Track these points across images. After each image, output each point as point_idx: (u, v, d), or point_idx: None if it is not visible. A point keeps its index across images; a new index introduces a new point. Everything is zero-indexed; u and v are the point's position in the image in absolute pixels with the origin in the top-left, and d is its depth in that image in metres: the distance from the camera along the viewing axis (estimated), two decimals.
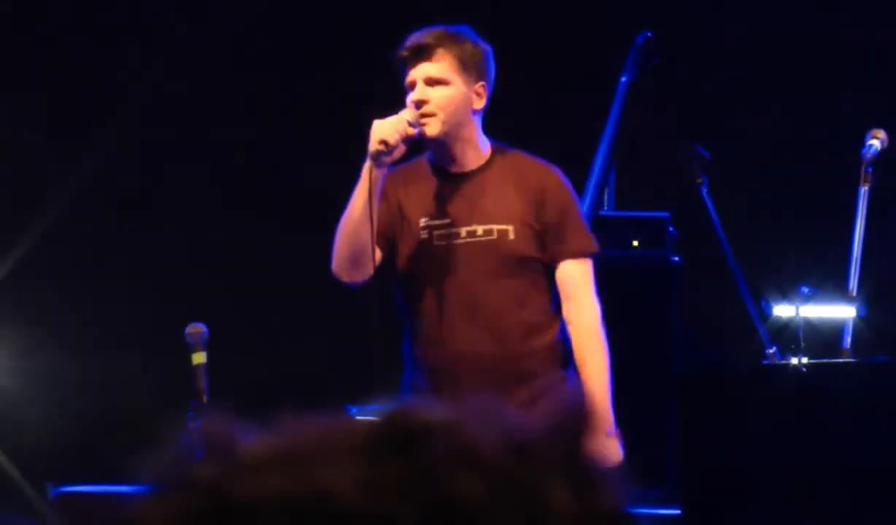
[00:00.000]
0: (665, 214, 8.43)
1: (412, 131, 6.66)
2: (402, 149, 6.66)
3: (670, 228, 8.52)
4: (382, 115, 6.65)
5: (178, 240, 10.40)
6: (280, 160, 10.40)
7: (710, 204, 7.47)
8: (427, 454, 1.23)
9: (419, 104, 6.72)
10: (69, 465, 8.18)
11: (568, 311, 6.74)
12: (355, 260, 6.73)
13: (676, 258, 8.63)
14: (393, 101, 6.82)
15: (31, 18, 10.89)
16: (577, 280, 6.75)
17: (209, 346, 7.22)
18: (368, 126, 6.68)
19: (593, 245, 6.78)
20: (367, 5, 10.49)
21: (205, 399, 7.18)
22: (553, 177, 6.86)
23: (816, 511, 6.50)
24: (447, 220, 6.83)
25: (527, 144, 6.96)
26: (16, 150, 10.62)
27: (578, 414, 1.29)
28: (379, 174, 6.68)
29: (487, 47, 6.83)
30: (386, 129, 6.62)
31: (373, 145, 6.62)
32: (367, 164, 6.68)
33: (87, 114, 10.59)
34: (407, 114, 6.67)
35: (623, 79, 7.92)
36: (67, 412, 8.85)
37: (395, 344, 7.02)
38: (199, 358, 7.21)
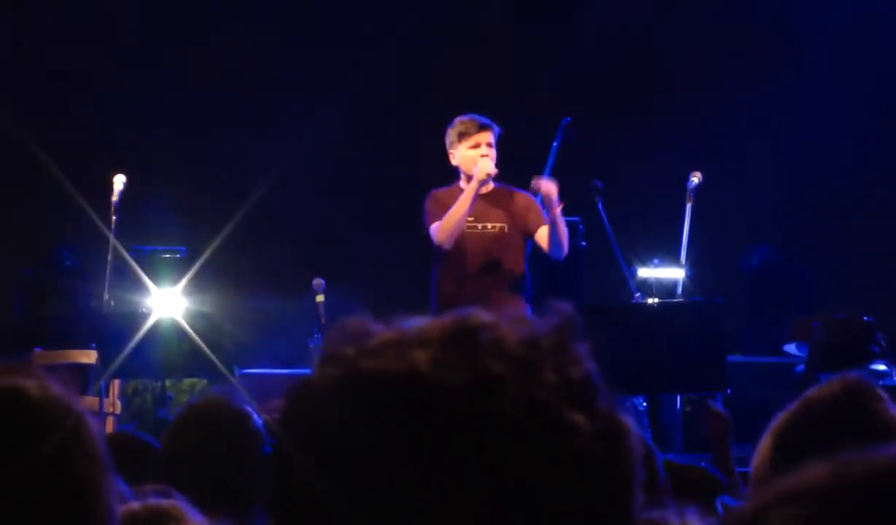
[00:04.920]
0: (577, 218, 8.18)
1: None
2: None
3: (580, 226, 8.35)
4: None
5: (312, 232, 10.29)
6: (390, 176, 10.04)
7: (602, 212, 7.35)
8: (474, 344, 1.13)
9: (488, 156, 6.86)
10: (247, 357, 8.14)
11: (543, 242, 6.87)
12: (455, 236, 6.83)
13: (584, 243, 8.44)
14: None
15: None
16: (543, 232, 6.87)
17: (326, 292, 7.29)
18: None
19: (545, 220, 6.89)
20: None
21: (323, 321, 7.23)
22: (526, 195, 7.01)
23: (658, 379, 6.52)
24: (472, 219, 6.91)
25: (512, 177, 7.10)
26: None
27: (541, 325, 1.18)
28: (477, 190, 6.84)
29: None
30: (489, 167, 6.82)
31: (482, 175, 6.79)
32: (475, 185, 6.80)
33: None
34: (489, 162, 6.83)
35: (554, 143, 7.75)
36: (246, 325, 8.65)
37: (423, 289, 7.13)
38: (320, 298, 7.30)
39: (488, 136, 6.92)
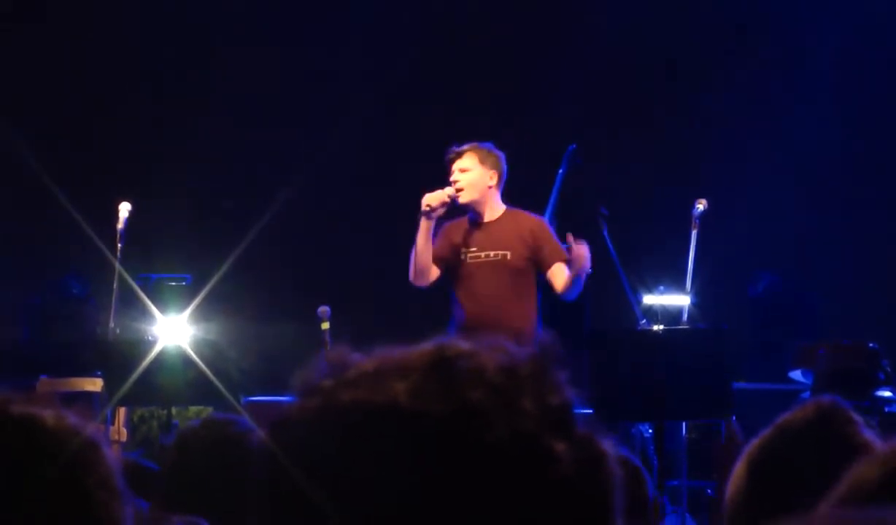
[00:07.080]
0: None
1: (449, 200, 6.83)
2: (440, 210, 6.82)
3: None
4: (432, 190, 6.88)
5: (317, 259, 10.30)
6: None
7: (607, 239, 7.39)
8: (453, 373, 1.13)
9: (454, 183, 6.90)
10: (253, 385, 8.01)
11: (557, 283, 6.83)
12: (420, 274, 6.89)
13: (589, 270, 8.43)
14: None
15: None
16: (558, 271, 6.85)
17: (331, 319, 7.21)
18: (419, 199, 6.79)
19: (564, 255, 6.83)
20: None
21: (328, 349, 7.41)
22: (538, 222, 7.02)
23: (664, 405, 6.43)
24: (475, 248, 6.94)
25: (521, 203, 7.12)
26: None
27: (544, 350, 1.18)
28: (428, 224, 6.81)
29: (500, 153, 6.98)
30: (429, 198, 6.80)
31: (423, 207, 6.79)
32: (422, 222, 6.82)
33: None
34: (448, 189, 6.85)
35: (560, 171, 7.82)
36: (252, 353, 8.68)
37: (428, 317, 7.12)
38: (325, 325, 7.22)
39: (458, 162, 6.96)
